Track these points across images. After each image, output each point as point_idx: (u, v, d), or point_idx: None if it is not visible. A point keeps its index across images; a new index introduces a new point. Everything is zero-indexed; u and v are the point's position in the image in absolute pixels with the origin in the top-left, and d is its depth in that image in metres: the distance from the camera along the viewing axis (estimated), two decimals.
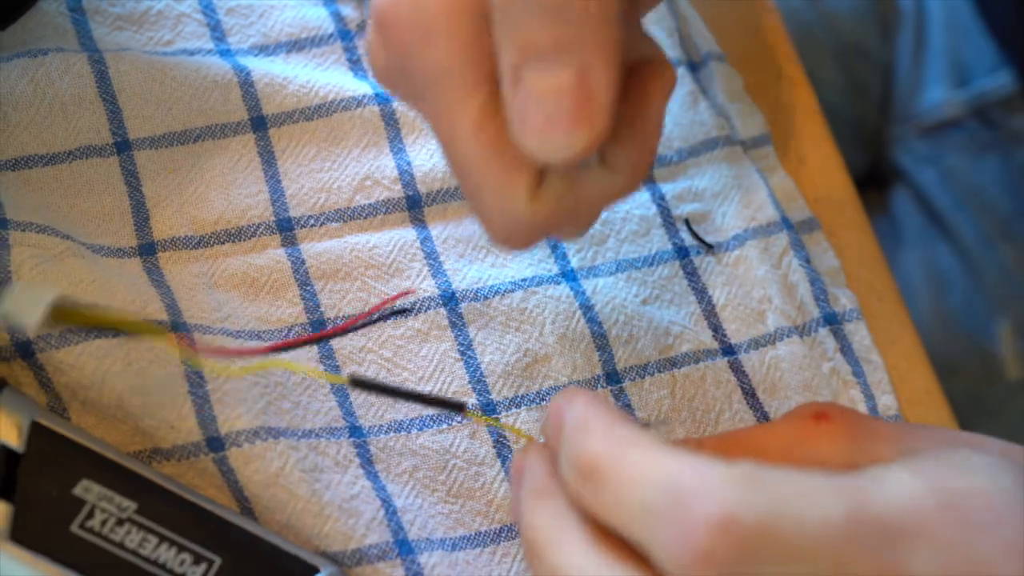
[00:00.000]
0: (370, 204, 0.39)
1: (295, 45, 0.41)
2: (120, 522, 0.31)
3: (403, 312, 0.37)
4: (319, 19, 0.42)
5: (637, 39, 0.31)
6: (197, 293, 0.37)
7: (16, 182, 0.37)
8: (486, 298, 0.38)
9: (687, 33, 0.44)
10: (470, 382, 0.37)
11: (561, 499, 0.28)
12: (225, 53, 0.41)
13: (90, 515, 0.31)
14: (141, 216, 0.38)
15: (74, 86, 0.38)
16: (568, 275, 0.39)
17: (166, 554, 0.31)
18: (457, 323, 0.38)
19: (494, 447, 0.36)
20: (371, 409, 0.36)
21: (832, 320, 0.40)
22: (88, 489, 0.31)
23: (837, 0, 0.69)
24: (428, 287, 0.38)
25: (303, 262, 0.38)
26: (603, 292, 0.39)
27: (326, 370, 0.36)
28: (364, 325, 0.37)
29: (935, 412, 0.40)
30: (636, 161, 0.30)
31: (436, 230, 0.39)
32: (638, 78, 0.30)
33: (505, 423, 0.36)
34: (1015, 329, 0.62)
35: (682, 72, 0.43)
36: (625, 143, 0.30)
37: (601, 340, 0.38)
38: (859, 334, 0.40)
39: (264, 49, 0.41)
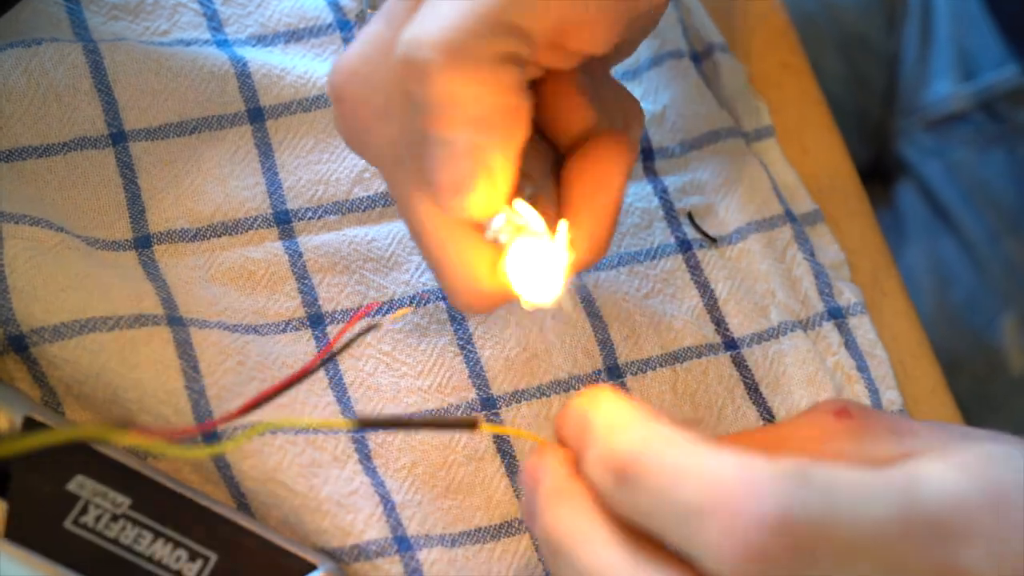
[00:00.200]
0: (368, 196, 0.39)
1: (293, 35, 0.41)
2: (115, 518, 0.31)
3: (372, 328, 0.36)
4: (317, 9, 0.41)
5: (605, 104, 0.32)
6: (194, 286, 0.36)
7: (10, 174, 0.36)
8: None
9: (691, 23, 0.44)
10: (470, 376, 0.36)
11: (585, 500, 0.27)
12: (222, 43, 0.40)
13: (84, 511, 0.31)
14: (137, 208, 0.37)
15: (69, 76, 0.38)
16: None
17: (161, 550, 0.31)
18: (457, 317, 0.37)
19: (494, 442, 0.36)
20: (369, 404, 0.36)
21: (836, 314, 0.40)
22: (82, 485, 0.31)
23: None
24: (427, 280, 0.38)
25: (301, 255, 0.37)
26: (604, 286, 0.39)
27: (323, 366, 0.36)
28: (337, 353, 0.35)
29: (940, 408, 0.39)
30: (593, 236, 0.31)
31: None
32: (596, 155, 0.31)
33: (515, 428, 0.36)
34: (1020, 324, 0.62)
35: (686, 63, 0.43)
36: (582, 220, 0.31)
37: (602, 334, 0.38)
38: (863, 328, 0.40)
39: (262, 39, 0.41)
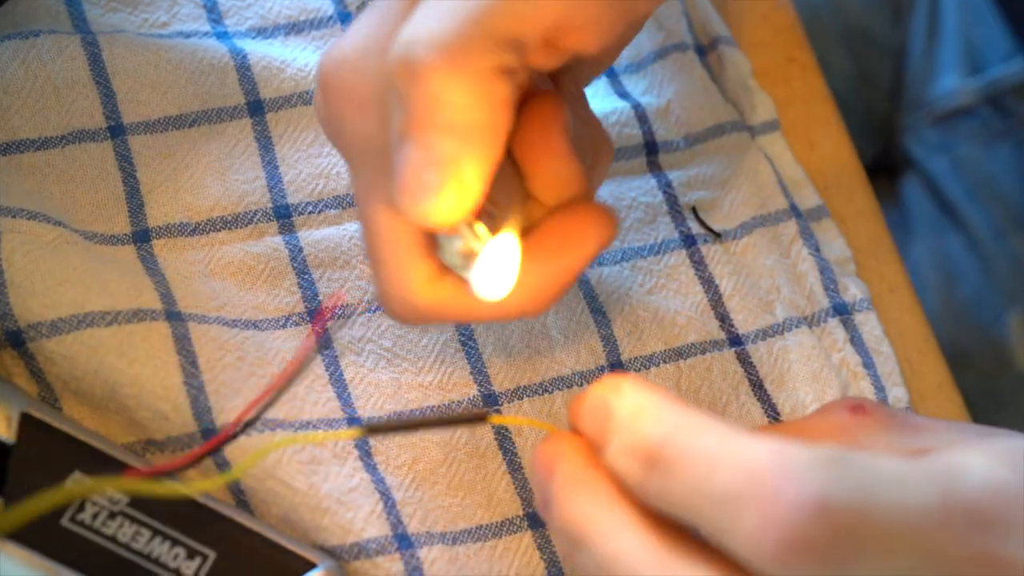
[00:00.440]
0: None
1: (294, 27, 0.40)
2: (112, 515, 0.30)
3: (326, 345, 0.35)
4: (318, 1, 0.41)
5: (576, 134, 0.31)
6: (193, 281, 0.36)
7: (7, 167, 0.36)
8: None
9: (696, 16, 0.44)
10: (471, 373, 0.36)
11: (606, 488, 0.27)
12: (222, 35, 0.40)
13: (81, 508, 0.30)
14: (135, 202, 0.37)
15: (67, 69, 0.37)
16: None
17: (159, 548, 0.30)
18: None
19: (496, 439, 0.35)
20: (370, 400, 0.35)
21: (842, 310, 0.39)
22: (80, 482, 0.31)
23: None
24: None
25: (301, 250, 0.37)
26: (608, 281, 0.38)
27: (323, 362, 0.35)
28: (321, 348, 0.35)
29: (947, 404, 0.39)
30: (544, 289, 0.30)
31: None
32: (572, 224, 0.30)
33: (526, 419, 0.35)
34: None
35: (690, 56, 0.43)
36: (540, 271, 0.30)
37: (606, 330, 0.37)
38: (869, 325, 0.39)
39: (262, 31, 0.40)
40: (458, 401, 0.36)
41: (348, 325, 0.36)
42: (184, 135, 0.38)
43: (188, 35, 0.39)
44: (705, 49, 0.43)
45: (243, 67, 0.39)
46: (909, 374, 0.39)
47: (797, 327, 0.38)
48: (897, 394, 0.38)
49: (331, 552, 0.32)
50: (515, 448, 0.35)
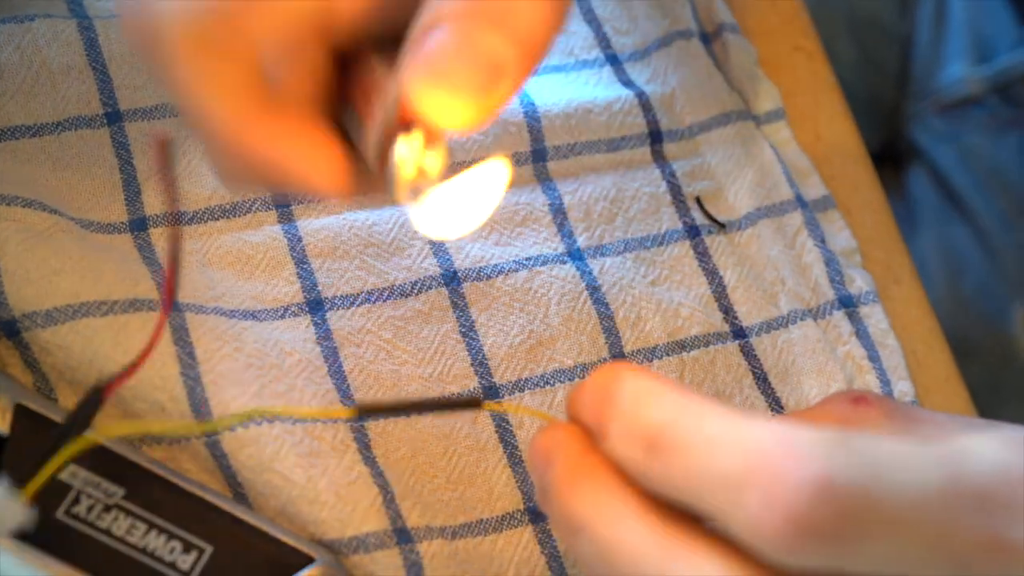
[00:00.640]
0: None
1: None
2: (107, 508, 0.30)
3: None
4: None
5: None
6: (190, 271, 0.35)
7: (2, 154, 0.36)
8: (489, 278, 0.37)
9: (701, 3, 0.43)
10: (472, 364, 0.36)
11: (607, 476, 0.26)
12: None
13: (76, 501, 0.30)
14: (132, 190, 0.36)
15: (62, 54, 0.37)
16: (574, 254, 0.38)
17: (155, 542, 0.30)
18: (459, 303, 0.36)
19: (496, 432, 0.35)
20: (369, 392, 0.35)
21: (847, 303, 0.39)
22: (74, 474, 0.30)
23: None
24: (429, 266, 0.37)
25: (300, 239, 0.37)
26: (610, 272, 0.38)
27: (322, 353, 0.35)
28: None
29: (954, 397, 0.38)
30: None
31: None
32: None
33: (521, 406, 0.35)
34: None
35: (695, 43, 0.42)
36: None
37: (608, 322, 0.37)
38: (875, 317, 0.39)
39: None
40: (458, 393, 0.35)
41: (348, 316, 0.36)
42: (181, 122, 0.37)
43: None
44: (710, 37, 0.43)
45: None
46: (915, 367, 0.39)
47: (802, 319, 0.38)
48: (903, 388, 0.38)
49: (329, 546, 0.32)
50: (516, 441, 0.35)
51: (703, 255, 0.39)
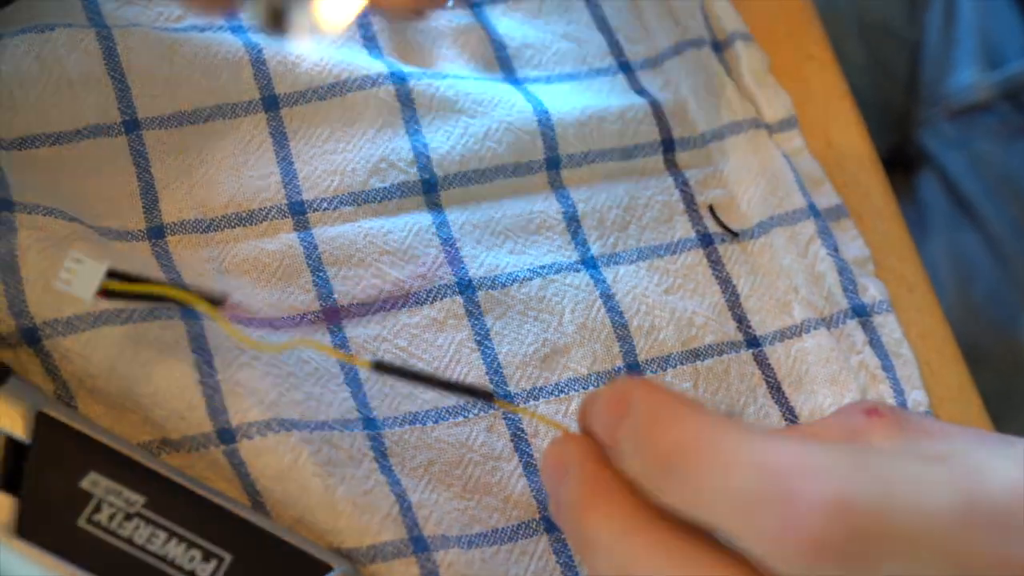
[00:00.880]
0: (385, 188, 0.38)
1: None
2: (128, 517, 0.30)
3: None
4: None
5: None
6: (207, 279, 0.36)
7: (22, 162, 0.36)
8: (504, 286, 0.37)
9: (712, 11, 0.43)
10: (487, 373, 0.36)
11: (620, 490, 0.26)
12: (237, 29, 0.39)
13: (97, 509, 0.30)
14: (150, 198, 0.37)
15: (81, 63, 0.37)
16: (588, 263, 0.38)
17: (175, 550, 0.30)
18: (474, 312, 0.37)
19: (511, 441, 0.35)
20: (385, 400, 0.35)
21: (861, 312, 0.39)
22: (96, 482, 0.30)
23: None
24: (444, 274, 0.37)
25: (316, 247, 0.37)
26: (624, 281, 0.38)
27: (338, 361, 0.35)
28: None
29: (968, 407, 0.38)
30: None
31: (453, 215, 0.38)
32: None
33: (532, 411, 0.35)
34: None
35: (707, 52, 0.42)
36: None
37: (622, 330, 0.37)
38: (889, 326, 0.39)
39: None
40: (473, 402, 0.35)
41: (363, 324, 0.36)
42: (199, 130, 0.38)
43: (203, 29, 0.39)
44: (722, 45, 0.43)
45: (258, 61, 0.38)
46: (928, 376, 0.39)
47: (815, 328, 0.38)
48: (917, 397, 0.38)
49: (347, 555, 0.32)
50: (531, 451, 0.35)
51: (716, 263, 0.39)
